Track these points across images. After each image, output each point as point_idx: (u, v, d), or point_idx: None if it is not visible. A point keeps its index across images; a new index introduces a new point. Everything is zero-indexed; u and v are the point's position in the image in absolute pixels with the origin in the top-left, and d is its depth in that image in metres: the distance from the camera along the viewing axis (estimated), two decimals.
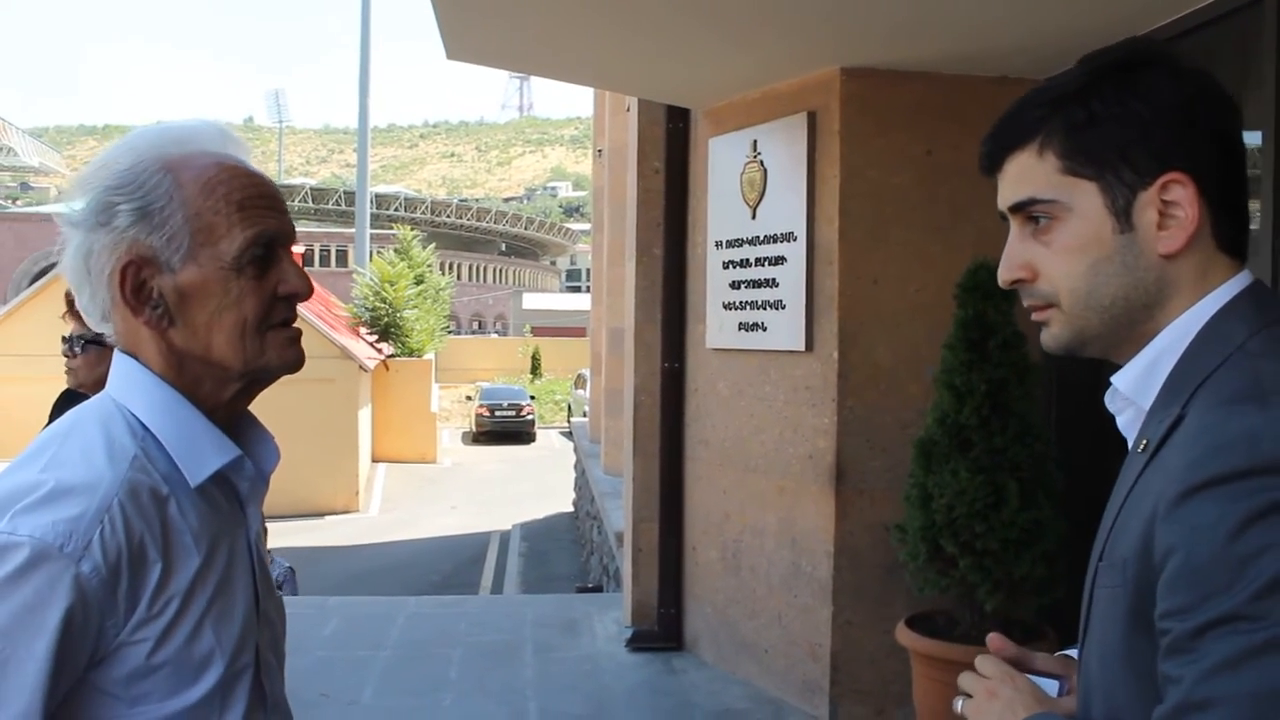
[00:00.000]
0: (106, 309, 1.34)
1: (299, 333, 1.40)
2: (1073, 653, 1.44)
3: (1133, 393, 1.23)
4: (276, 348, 1.36)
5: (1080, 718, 1.26)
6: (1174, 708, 1.01)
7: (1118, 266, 1.20)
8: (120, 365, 1.35)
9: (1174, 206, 1.17)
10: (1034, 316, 1.29)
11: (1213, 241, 1.19)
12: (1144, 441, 1.18)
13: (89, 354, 3.07)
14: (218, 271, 1.30)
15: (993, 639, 1.44)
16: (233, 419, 1.40)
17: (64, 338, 3.24)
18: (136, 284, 1.30)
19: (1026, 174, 1.25)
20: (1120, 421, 1.28)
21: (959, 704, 1.37)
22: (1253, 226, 3.75)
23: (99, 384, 3.11)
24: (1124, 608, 1.14)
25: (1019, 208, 1.26)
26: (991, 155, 1.30)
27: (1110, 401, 1.28)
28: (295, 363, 1.38)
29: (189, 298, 1.30)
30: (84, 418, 1.31)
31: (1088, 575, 1.27)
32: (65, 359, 3.19)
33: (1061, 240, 1.23)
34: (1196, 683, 0.99)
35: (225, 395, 1.36)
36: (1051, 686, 1.37)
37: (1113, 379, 1.25)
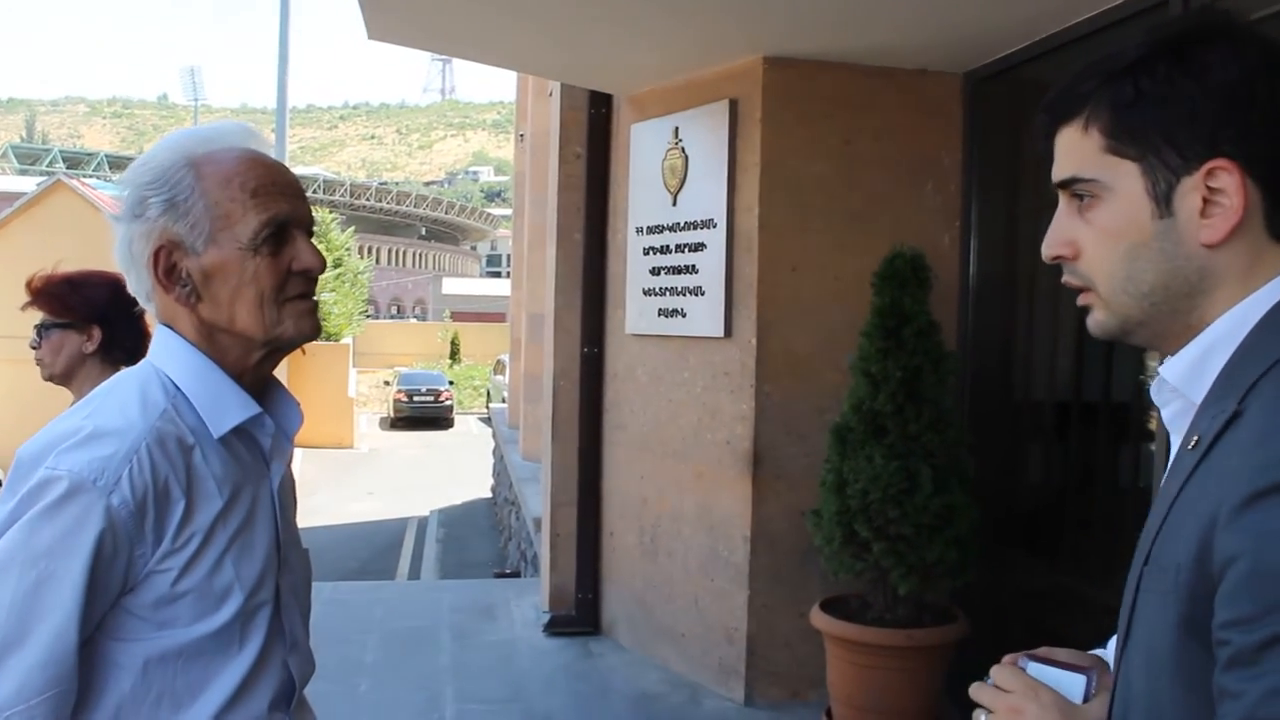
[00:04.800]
0: (148, 290, 1.52)
1: (315, 305, 1.57)
2: (1101, 652, 1.37)
3: (1182, 385, 1.15)
4: (293, 318, 1.52)
5: None
6: None
7: (1155, 253, 1.14)
8: (159, 335, 1.54)
9: (1219, 194, 1.10)
10: (1079, 300, 1.23)
11: (1264, 231, 1.11)
12: (1195, 438, 1.08)
13: (51, 338, 2.95)
14: (235, 252, 1.47)
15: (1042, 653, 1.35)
16: (259, 383, 1.58)
17: (35, 327, 3.09)
18: (168, 266, 1.49)
19: (1072, 150, 1.19)
20: (1165, 414, 1.20)
21: (981, 718, 1.29)
22: None
23: (68, 373, 3.00)
24: (1174, 616, 1.05)
25: (1064, 185, 1.21)
26: (1045, 125, 1.23)
27: (1157, 393, 1.20)
28: (311, 332, 1.55)
29: (212, 276, 1.48)
30: (124, 378, 1.51)
31: (1130, 575, 1.17)
32: (33, 352, 3.05)
33: (1101, 221, 1.17)
34: (1261, 700, 0.92)
35: (250, 361, 1.54)
36: (1077, 683, 1.28)
37: (1160, 369, 1.17)
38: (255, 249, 1.47)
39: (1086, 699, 1.27)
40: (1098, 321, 1.21)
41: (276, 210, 1.49)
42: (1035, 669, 1.30)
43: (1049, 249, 1.23)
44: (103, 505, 1.34)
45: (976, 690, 1.29)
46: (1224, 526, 0.97)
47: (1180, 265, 1.13)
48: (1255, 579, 0.94)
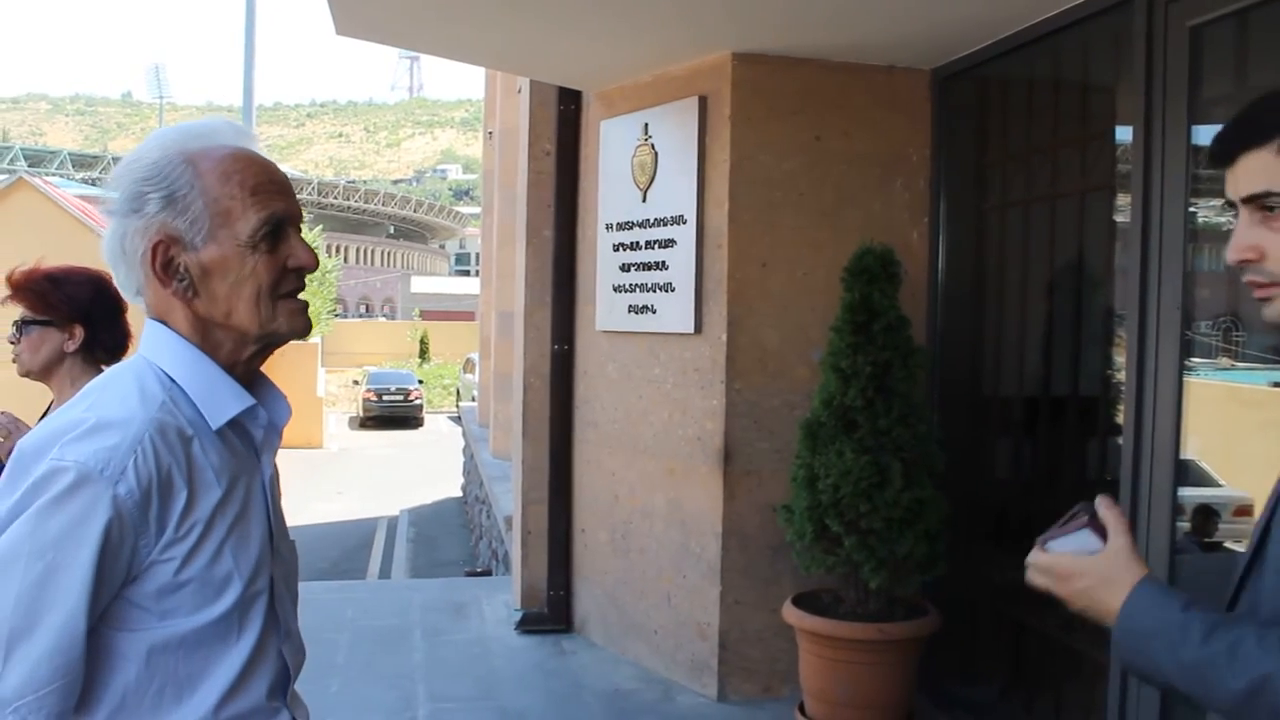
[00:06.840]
0: (140, 284, 1.54)
1: (306, 304, 1.61)
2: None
3: None
4: (286, 315, 1.56)
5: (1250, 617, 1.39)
6: None
7: None
8: (151, 330, 1.56)
9: None
10: (1256, 294, 1.40)
11: None
12: None
13: (31, 335, 2.93)
14: (235, 249, 1.50)
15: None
16: (249, 377, 1.60)
17: (13, 323, 3.07)
18: (165, 260, 1.50)
19: (1264, 169, 1.35)
20: None
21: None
22: (1123, 219, 3.89)
23: (46, 370, 2.96)
24: None
25: (1253, 199, 1.37)
26: (1225, 150, 1.40)
27: None
28: (303, 329, 1.59)
29: (210, 272, 1.51)
30: (118, 372, 1.53)
31: (1265, 508, 1.42)
32: (11, 347, 3.02)
33: None
34: None
35: (242, 356, 1.57)
36: (1086, 536, 1.49)
37: None
38: (254, 245, 1.51)
39: (1104, 540, 1.47)
40: (1277, 311, 1.39)
41: (275, 208, 1.53)
42: (1053, 545, 1.52)
43: (1236, 254, 1.40)
44: (109, 495, 1.35)
45: (1029, 579, 1.55)
46: None
47: None
48: None
